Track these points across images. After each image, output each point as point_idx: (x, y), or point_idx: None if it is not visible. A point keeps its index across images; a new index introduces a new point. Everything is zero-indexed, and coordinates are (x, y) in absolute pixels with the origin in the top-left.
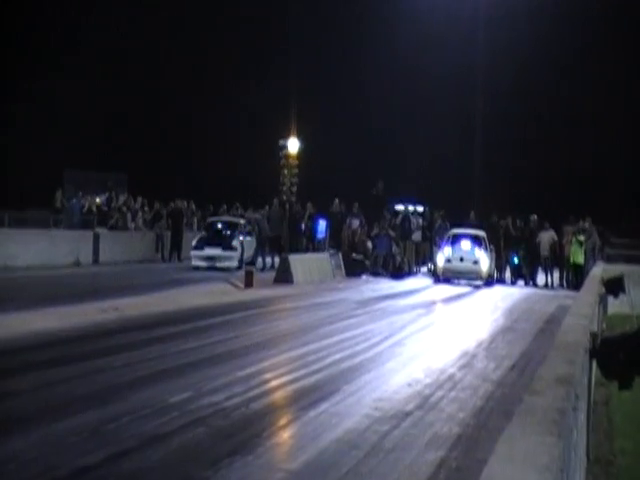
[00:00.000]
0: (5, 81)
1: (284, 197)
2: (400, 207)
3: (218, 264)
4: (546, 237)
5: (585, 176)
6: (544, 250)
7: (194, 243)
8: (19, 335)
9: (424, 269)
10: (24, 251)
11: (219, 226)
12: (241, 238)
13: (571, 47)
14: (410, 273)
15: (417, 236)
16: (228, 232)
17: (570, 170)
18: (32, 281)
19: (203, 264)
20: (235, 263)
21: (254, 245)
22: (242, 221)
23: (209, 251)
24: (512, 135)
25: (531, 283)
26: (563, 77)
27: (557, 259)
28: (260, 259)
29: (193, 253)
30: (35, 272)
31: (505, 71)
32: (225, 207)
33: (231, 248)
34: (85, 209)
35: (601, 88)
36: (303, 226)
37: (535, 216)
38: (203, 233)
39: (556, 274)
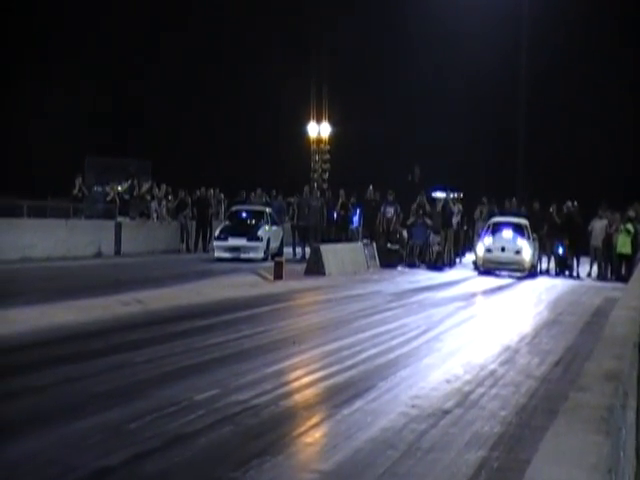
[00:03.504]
0: (23, 67)
1: (315, 184)
2: (439, 194)
3: (242, 255)
4: (599, 226)
5: (630, 160)
6: (595, 240)
7: (217, 233)
8: (38, 329)
9: (464, 259)
10: (43, 241)
11: (243, 215)
12: (267, 228)
13: (614, 31)
14: (449, 264)
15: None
16: (253, 221)
17: (615, 154)
18: (52, 272)
19: (226, 255)
20: (261, 254)
21: (280, 235)
22: (268, 210)
23: (233, 241)
24: (556, 120)
25: (576, 274)
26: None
27: (608, 250)
28: (298, 249)
29: (216, 244)
30: (55, 263)
31: (550, 56)
32: (255, 193)
33: (256, 238)
34: (110, 198)
35: None
36: (335, 214)
37: (570, 203)
38: (227, 222)
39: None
